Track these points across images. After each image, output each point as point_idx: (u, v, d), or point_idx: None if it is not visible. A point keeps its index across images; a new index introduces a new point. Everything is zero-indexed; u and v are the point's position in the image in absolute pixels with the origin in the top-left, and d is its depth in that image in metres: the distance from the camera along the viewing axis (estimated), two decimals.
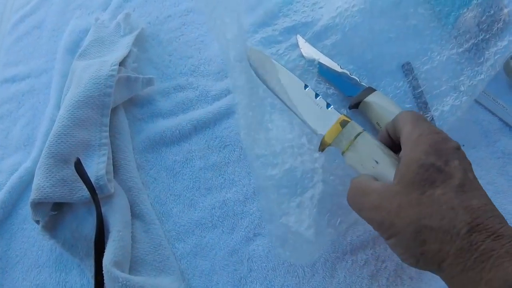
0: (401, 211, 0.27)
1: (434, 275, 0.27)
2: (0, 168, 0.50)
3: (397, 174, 0.29)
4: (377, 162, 0.32)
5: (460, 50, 0.47)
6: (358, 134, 0.34)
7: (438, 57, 0.47)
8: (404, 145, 0.30)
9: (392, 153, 0.33)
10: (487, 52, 0.46)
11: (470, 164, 0.29)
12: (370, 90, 0.45)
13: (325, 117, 0.36)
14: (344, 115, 0.36)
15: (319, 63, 0.47)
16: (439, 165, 0.27)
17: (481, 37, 0.47)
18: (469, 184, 0.27)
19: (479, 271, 0.24)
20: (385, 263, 0.39)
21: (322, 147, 0.36)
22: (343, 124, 0.35)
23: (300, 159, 0.39)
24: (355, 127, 0.35)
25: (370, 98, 0.44)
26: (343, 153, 0.34)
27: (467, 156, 0.29)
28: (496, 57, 0.45)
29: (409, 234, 0.27)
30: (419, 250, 0.27)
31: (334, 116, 0.36)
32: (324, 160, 0.39)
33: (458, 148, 0.29)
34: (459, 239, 0.25)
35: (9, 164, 0.50)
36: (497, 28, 0.46)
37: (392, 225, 0.28)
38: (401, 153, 0.30)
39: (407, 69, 0.48)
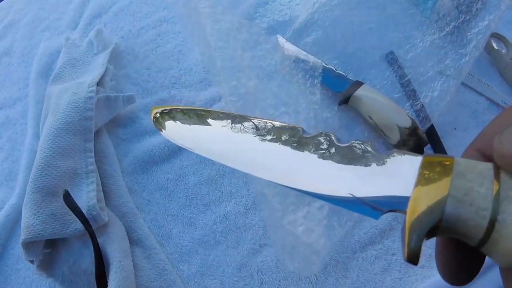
0: None
1: None
2: None
3: None
4: None
5: (442, 34, 0.47)
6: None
7: (421, 43, 0.47)
8: None
9: None
10: (469, 34, 0.46)
11: None
12: (358, 84, 0.44)
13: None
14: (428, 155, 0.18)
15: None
16: None
17: (461, 19, 0.47)
18: None
19: None
20: (395, 255, 0.39)
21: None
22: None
23: None
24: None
25: (359, 92, 0.43)
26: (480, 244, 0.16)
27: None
28: (478, 37, 0.45)
29: None
30: None
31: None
32: None
33: None
34: None
35: None
36: (476, 8, 0.46)
37: None
38: None
39: (391, 59, 0.48)
